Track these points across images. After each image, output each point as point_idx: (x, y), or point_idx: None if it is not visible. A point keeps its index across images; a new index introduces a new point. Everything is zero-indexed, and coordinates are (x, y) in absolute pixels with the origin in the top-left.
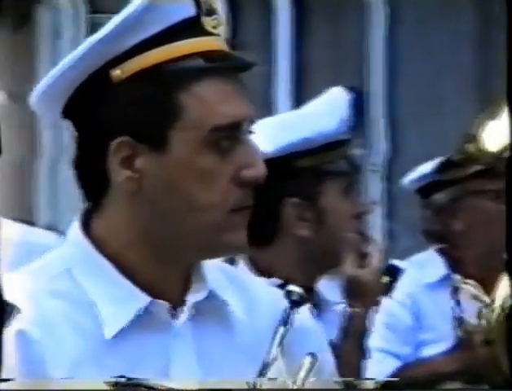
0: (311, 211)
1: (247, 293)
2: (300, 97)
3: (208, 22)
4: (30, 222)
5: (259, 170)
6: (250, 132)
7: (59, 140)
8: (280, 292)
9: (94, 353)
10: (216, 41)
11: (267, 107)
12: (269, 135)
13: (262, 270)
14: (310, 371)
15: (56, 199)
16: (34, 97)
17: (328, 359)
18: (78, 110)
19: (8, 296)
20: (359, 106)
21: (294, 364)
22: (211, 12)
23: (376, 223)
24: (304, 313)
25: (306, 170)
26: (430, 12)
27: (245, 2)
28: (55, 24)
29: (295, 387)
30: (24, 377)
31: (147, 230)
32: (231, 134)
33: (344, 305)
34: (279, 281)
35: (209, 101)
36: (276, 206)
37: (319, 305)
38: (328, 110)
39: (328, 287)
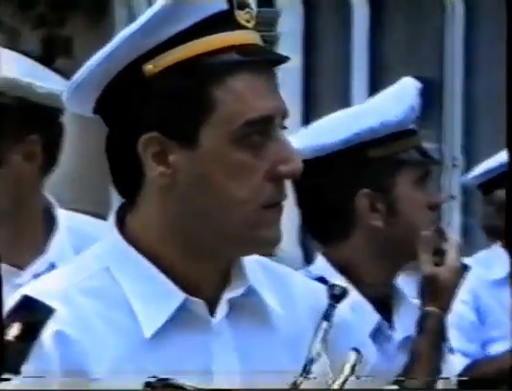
0: (383, 202)
1: (285, 287)
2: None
3: (241, 15)
4: (104, 217)
5: (296, 165)
6: (283, 127)
7: None
8: (320, 286)
9: (133, 352)
10: (249, 34)
11: (344, 102)
12: (337, 126)
13: (340, 266)
14: (355, 366)
15: None
16: (67, 92)
17: (370, 354)
18: (109, 105)
19: (46, 297)
20: (431, 96)
21: (338, 359)
22: (244, 6)
23: (454, 219)
24: (345, 307)
25: (377, 160)
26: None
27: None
28: (131, 17)
29: (336, 386)
30: (64, 377)
31: (181, 227)
32: (264, 129)
33: (421, 303)
34: (319, 274)
35: (243, 95)
36: (348, 198)
37: (398, 302)
38: (396, 98)
39: (406, 284)
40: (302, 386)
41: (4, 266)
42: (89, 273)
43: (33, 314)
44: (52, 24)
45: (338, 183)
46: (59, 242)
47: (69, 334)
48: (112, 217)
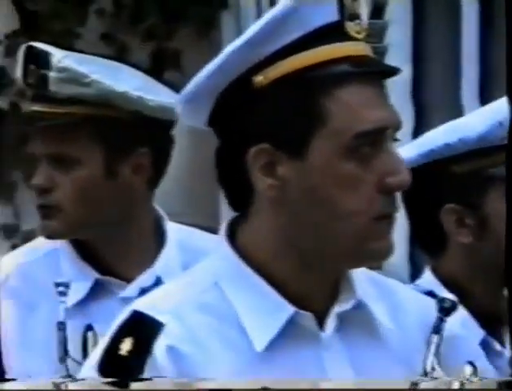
0: (473, 217)
1: (394, 301)
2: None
3: (351, 27)
4: (214, 230)
5: (404, 177)
6: (395, 139)
7: None
8: (430, 300)
9: (244, 366)
10: (360, 46)
11: (455, 113)
12: (421, 140)
13: (444, 280)
14: (469, 379)
15: None
16: (180, 104)
17: (484, 367)
18: (220, 117)
19: (157, 312)
20: None
21: (451, 373)
22: (355, 17)
23: None
24: (456, 320)
25: (462, 175)
26: None
27: (430, 8)
28: (239, 30)
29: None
30: None
31: (292, 240)
32: (374, 141)
33: None
34: (428, 288)
35: (354, 106)
36: (435, 213)
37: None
38: (484, 114)
39: None
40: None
41: (111, 279)
42: (199, 288)
43: (145, 329)
44: (161, 37)
45: (424, 197)
46: (167, 256)
47: (181, 349)
48: (222, 231)
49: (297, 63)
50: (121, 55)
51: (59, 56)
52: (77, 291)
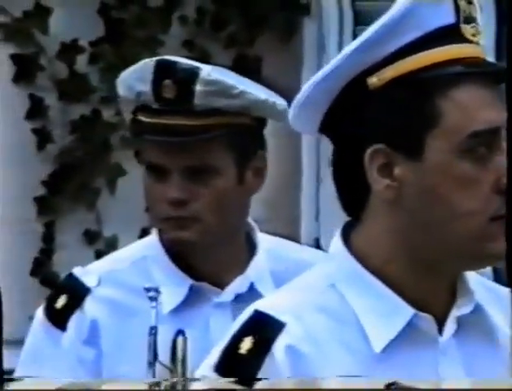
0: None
1: (507, 306)
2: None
3: (467, 29)
4: (292, 237)
5: None
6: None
7: (322, 152)
8: None
9: (362, 368)
10: (474, 48)
11: None
12: None
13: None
14: None
15: (318, 214)
16: (293, 111)
17: None
18: (333, 121)
19: (277, 312)
20: None
21: None
22: (470, 20)
23: None
24: None
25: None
26: None
27: None
28: (321, 36)
29: None
30: None
31: (408, 241)
32: (490, 140)
33: None
34: None
35: (468, 107)
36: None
37: None
38: None
39: None
40: None
41: (205, 285)
42: (317, 290)
43: (265, 328)
44: (243, 44)
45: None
46: (258, 263)
47: (300, 348)
48: (338, 236)
49: (412, 64)
50: (202, 62)
51: (207, 70)
52: (173, 297)
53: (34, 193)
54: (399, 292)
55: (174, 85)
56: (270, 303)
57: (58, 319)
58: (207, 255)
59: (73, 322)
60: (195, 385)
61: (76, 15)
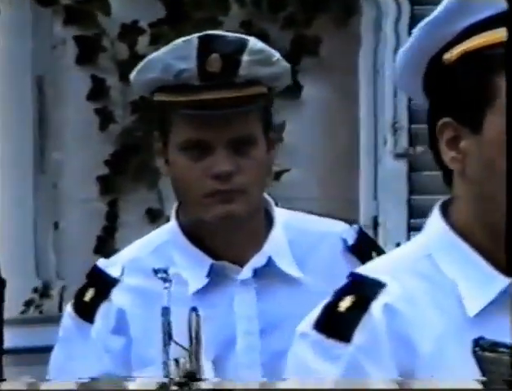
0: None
1: None
2: None
3: None
4: (350, 215)
5: None
6: None
7: (379, 131)
8: None
9: (456, 330)
10: None
11: None
12: None
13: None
14: None
15: (376, 192)
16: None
17: None
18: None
19: (377, 273)
20: None
21: None
22: None
23: None
24: None
25: None
26: None
27: None
28: (378, 17)
29: None
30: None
31: (483, 212)
32: None
33: None
34: None
35: None
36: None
37: None
38: None
39: None
40: None
41: (226, 264)
42: (413, 258)
43: (365, 288)
44: (300, 25)
45: None
46: (275, 237)
47: (397, 307)
48: (437, 207)
49: (481, 41)
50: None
51: (253, 39)
52: (197, 278)
53: (97, 173)
54: (491, 261)
55: (221, 58)
56: (370, 267)
57: (86, 312)
58: (228, 234)
59: (100, 313)
60: (201, 385)
61: None
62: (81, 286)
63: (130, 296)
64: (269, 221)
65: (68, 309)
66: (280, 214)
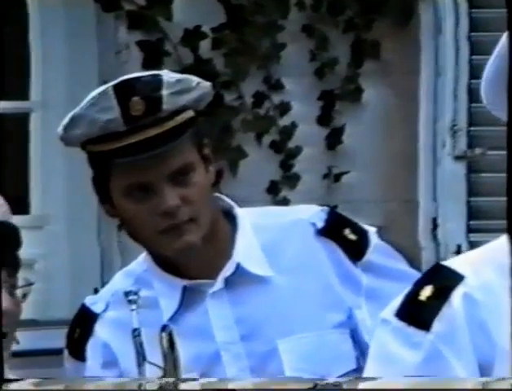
0: None
1: None
2: None
3: None
4: (409, 216)
5: None
6: None
7: (438, 133)
8: None
9: None
10: None
11: None
12: None
13: None
14: None
15: (435, 194)
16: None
17: None
18: None
19: (457, 265)
20: None
21: None
22: None
23: None
24: None
25: None
26: None
27: None
28: (438, 20)
29: None
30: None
31: None
32: None
33: None
34: None
35: None
36: None
37: None
38: None
39: None
40: None
41: (197, 282)
42: (499, 251)
43: (446, 278)
44: (360, 29)
45: None
46: (243, 242)
47: (476, 297)
48: None
49: None
50: (321, 47)
51: (166, 73)
52: (170, 303)
53: None
54: None
55: (142, 99)
56: (454, 259)
57: (77, 352)
58: (196, 253)
59: (89, 350)
60: (185, 386)
61: (197, 2)
62: (70, 326)
63: (113, 329)
64: (234, 226)
65: (65, 352)
66: (246, 215)
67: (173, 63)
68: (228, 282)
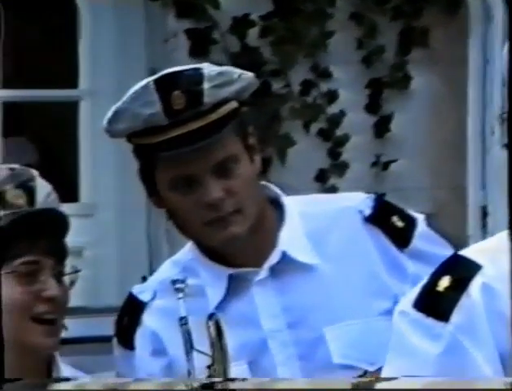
0: None
1: None
2: None
3: None
4: (458, 204)
5: None
6: None
7: (487, 121)
8: None
9: None
10: None
11: None
12: None
13: None
14: None
15: (484, 182)
16: None
17: None
18: None
19: (476, 256)
20: None
21: None
22: None
23: None
24: None
25: None
26: None
27: None
28: (487, 7)
29: None
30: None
31: None
32: None
33: None
34: None
35: None
36: None
37: None
38: None
39: None
40: None
41: (243, 270)
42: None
43: (463, 269)
44: (409, 16)
45: None
46: (289, 230)
47: (494, 286)
48: None
49: None
50: (370, 35)
51: (207, 66)
52: (217, 291)
53: None
54: None
55: (183, 93)
56: (472, 248)
57: (126, 340)
58: (242, 243)
59: (137, 338)
60: (234, 385)
61: None
62: (118, 315)
63: (159, 317)
64: (281, 215)
65: (114, 339)
66: (293, 203)
67: (220, 51)
68: (274, 270)
